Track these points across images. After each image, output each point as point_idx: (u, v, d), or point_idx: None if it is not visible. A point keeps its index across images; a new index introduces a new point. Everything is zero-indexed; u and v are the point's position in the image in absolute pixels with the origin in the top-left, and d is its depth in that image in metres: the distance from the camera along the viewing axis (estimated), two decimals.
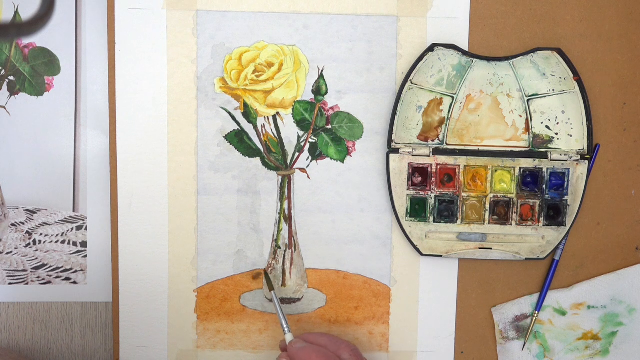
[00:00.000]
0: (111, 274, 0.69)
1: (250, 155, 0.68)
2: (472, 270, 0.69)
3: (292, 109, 0.68)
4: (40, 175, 0.69)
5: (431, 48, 0.65)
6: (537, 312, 0.69)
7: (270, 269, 0.69)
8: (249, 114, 0.68)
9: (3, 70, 0.68)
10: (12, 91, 0.68)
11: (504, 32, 0.67)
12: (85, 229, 0.70)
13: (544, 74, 0.66)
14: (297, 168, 0.68)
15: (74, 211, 0.70)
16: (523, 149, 0.67)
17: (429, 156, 0.67)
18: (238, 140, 0.68)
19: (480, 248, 0.68)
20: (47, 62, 0.68)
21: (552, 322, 0.70)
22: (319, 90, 0.67)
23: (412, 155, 0.67)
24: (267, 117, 0.68)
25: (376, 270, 0.69)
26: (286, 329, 0.64)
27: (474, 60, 0.66)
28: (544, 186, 0.67)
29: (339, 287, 0.69)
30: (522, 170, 0.67)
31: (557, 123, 0.67)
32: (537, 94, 0.66)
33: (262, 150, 0.68)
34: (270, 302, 0.69)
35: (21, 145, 0.69)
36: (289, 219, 0.69)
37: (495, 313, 0.70)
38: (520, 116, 0.67)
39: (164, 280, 0.69)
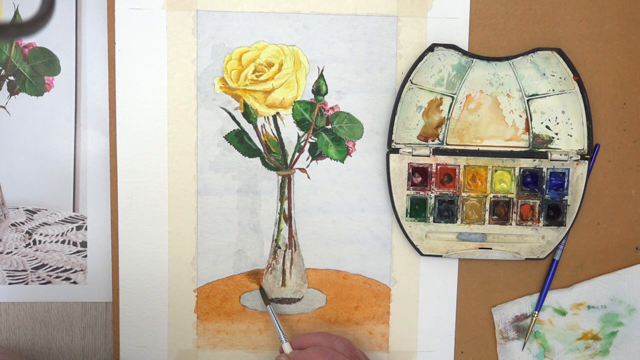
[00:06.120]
0: (111, 274, 0.69)
1: (250, 155, 0.68)
2: (472, 270, 0.69)
3: (292, 109, 0.68)
4: (40, 175, 0.69)
5: (431, 48, 0.65)
6: (537, 312, 0.69)
7: (270, 269, 0.69)
8: (249, 114, 0.68)
9: (3, 70, 0.68)
10: (12, 91, 0.68)
11: (504, 32, 0.67)
12: (85, 229, 0.70)
13: (544, 74, 0.66)
14: (297, 168, 0.68)
15: (74, 211, 0.70)
16: (523, 149, 0.67)
17: (429, 156, 0.67)
18: (238, 140, 0.68)
19: (480, 248, 0.68)
20: (47, 62, 0.68)
21: (552, 322, 0.70)
22: (319, 90, 0.67)
23: (412, 155, 0.67)
24: (267, 117, 0.68)
25: (376, 270, 0.69)
26: (283, 339, 0.65)
27: (474, 60, 0.66)
28: (544, 186, 0.67)
29: (339, 287, 0.69)
30: (522, 170, 0.67)
31: (557, 123, 0.67)
32: (537, 94, 0.66)
33: (262, 150, 0.68)
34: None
35: (21, 145, 0.69)
36: (289, 219, 0.69)
37: (495, 313, 0.70)
38: (520, 116, 0.67)
39: (164, 280, 0.69)
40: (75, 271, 0.70)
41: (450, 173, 0.67)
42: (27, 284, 0.70)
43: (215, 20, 0.66)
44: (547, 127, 0.67)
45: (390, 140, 0.66)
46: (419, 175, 0.67)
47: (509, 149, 0.67)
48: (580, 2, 0.67)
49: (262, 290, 0.69)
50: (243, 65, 0.67)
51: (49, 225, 0.70)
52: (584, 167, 0.66)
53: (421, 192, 0.67)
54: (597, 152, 0.68)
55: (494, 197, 0.67)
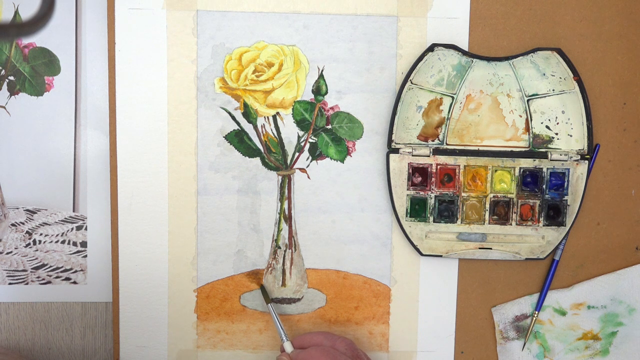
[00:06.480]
0: (111, 274, 0.69)
1: (250, 155, 0.68)
2: (472, 270, 0.69)
3: (292, 109, 0.68)
4: (40, 175, 0.69)
5: (431, 48, 0.65)
6: (537, 312, 0.69)
7: (270, 269, 0.69)
8: (249, 114, 0.68)
9: (3, 70, 0.68)
10: (12, 91, 0.68)
11: (504, 32, 0.67)
12: (85, 229, 0.70)
13: (544, 74, 0.66)
14: (297, 168, 0.68)
15: (74, 211, 0.70)
16: (523, 149, 0.67)
17: (429, 156, 0.67)
18: (238, 140, 0.68)
19: (480, 248, 0.68)
20: (47, 62, 0.68)
21: (552, 322, 0.70)
22: (319, 90, 0.67)
23: (412, 155, 0.67)
24: (267, 117, 0.68)
25: (376, 270, 0.69)
26: (284, 338, 0.65)
27: (474, 60, 0.66)
28: (544, 186, 0.67)
29: (339, 287, 0.69)
30: (522, 170, 0.67)
31: (557, 123, 0.67)
32: (537, 94, 0.66)
33: (262, 150, 0.68)
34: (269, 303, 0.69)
35: (21, 145, 0.69)
36: (289, 219, 0.69)
37: (495, 313, 0.70)
38: (520, 116, 0.67)
39: (164, 280, 0.69)
40: (75, 271, 0.70)
41: (450, 173, 0.67)
42: (27, 284, 0.70)
43: (215, 20, 0.66)
44: (547, 127, 0.67)
45: (390, 140, 0.66)
46: (419, 175, 0.67)
47: (509, 149, 0.67)
48: (580, 2, 0.67)
49: (263, 289, 0.69)
50: (243, 65, 0.67)
51: (49, 225, 0.70)
52: (584, 167, 0.66)
53: (421, 192, 0.67)
54: (597, 152, 0.68)
55: (494, 197, 0.67)
